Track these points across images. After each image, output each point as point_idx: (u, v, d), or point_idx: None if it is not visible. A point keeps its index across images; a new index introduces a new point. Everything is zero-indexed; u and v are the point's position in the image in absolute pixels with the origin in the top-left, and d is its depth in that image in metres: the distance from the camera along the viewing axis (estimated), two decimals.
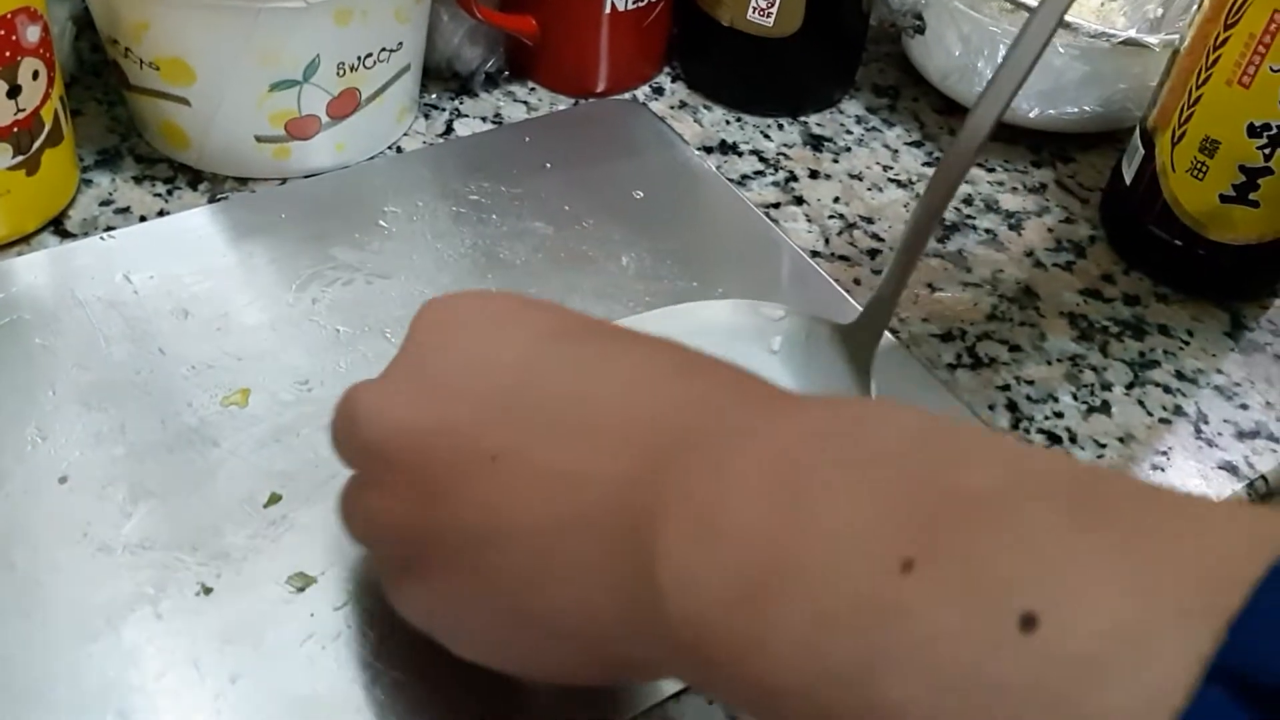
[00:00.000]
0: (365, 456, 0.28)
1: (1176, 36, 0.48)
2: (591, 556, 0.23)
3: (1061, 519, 0.18)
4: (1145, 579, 0.17)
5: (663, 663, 0.23)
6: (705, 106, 0.58)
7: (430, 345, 0.28)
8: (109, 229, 0.47)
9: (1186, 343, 0.48)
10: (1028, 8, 0.53)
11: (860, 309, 0.47)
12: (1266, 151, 0.45)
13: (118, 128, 0.53)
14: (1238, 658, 0.15)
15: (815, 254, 0.50)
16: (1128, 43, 0.51)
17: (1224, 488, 0.43)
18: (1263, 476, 0.43)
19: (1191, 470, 0.43)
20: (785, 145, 0.56)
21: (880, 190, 0.54)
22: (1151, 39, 0.51)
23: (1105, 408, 0.45)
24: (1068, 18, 0.51)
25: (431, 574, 0.27)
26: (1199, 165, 0.47)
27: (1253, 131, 0.45)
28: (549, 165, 0.53)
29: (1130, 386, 0.46)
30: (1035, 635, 0.17)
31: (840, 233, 0.52)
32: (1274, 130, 0.44)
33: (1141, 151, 0.50)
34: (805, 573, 0.20)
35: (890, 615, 0.18)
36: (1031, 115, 0.55)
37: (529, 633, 0.26)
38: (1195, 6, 0.47)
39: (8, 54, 0.42)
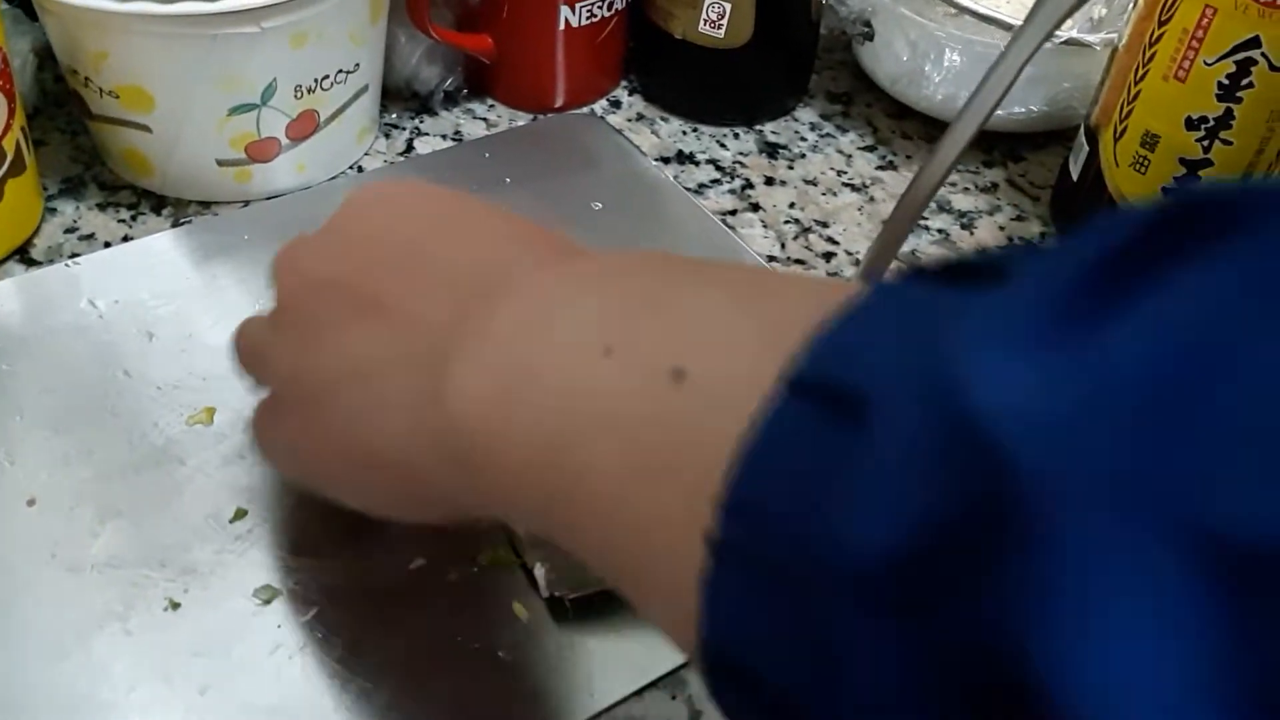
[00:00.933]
0: (274, 299, 0.32)
1: (1115, 35, 0.50)
2: (406, 392, 0.27)
3: (723, 307, 0.23)
4: (774, 341, 0.20)
5: (453, 484, 0.27)
6: (662, 118, 0.59)
7: (348, 216, 0.32)
8: (74, 256, 0.48)
9: None
10: (972, 12, 0.54)
11: None
12: (1205, 144, 0.46)
13: (81, 156, 0.53)
14: (810, 368, 0.19)
15: (772, 259, 0.51)
16: (1070, 43, 0.53)
17: None
18: None
19: None
20: (741, 154, 0.57)
21: (835, 195, 0.55)
22: (1092, 38, 0.53)
23: None
24: (1011, 20, 0.53)
25: (292, 412, 0.31)
26: (1141, 159, 0.48)
27: (1190, 124, 0.46)
28: (509, 180, 0.54)
29: None
30: (684, 385, 0.21)
31: (796, 237, 0.53)
32: (1211, 123, 0.46)
33: (1086, 148, 0.51)
34: (534, 369, 0.24)
35: (591, 390, 0.23)
36: None
37: (360, 467, 0.29)
38: (1131, 5, 0.48)
39: None
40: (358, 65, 0.51)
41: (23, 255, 0.48)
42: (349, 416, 0.29)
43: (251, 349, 0.34)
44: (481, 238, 0.30)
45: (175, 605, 0.36)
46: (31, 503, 0.38)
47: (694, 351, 0.22)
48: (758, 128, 0.59)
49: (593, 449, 0.22)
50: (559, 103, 0.59)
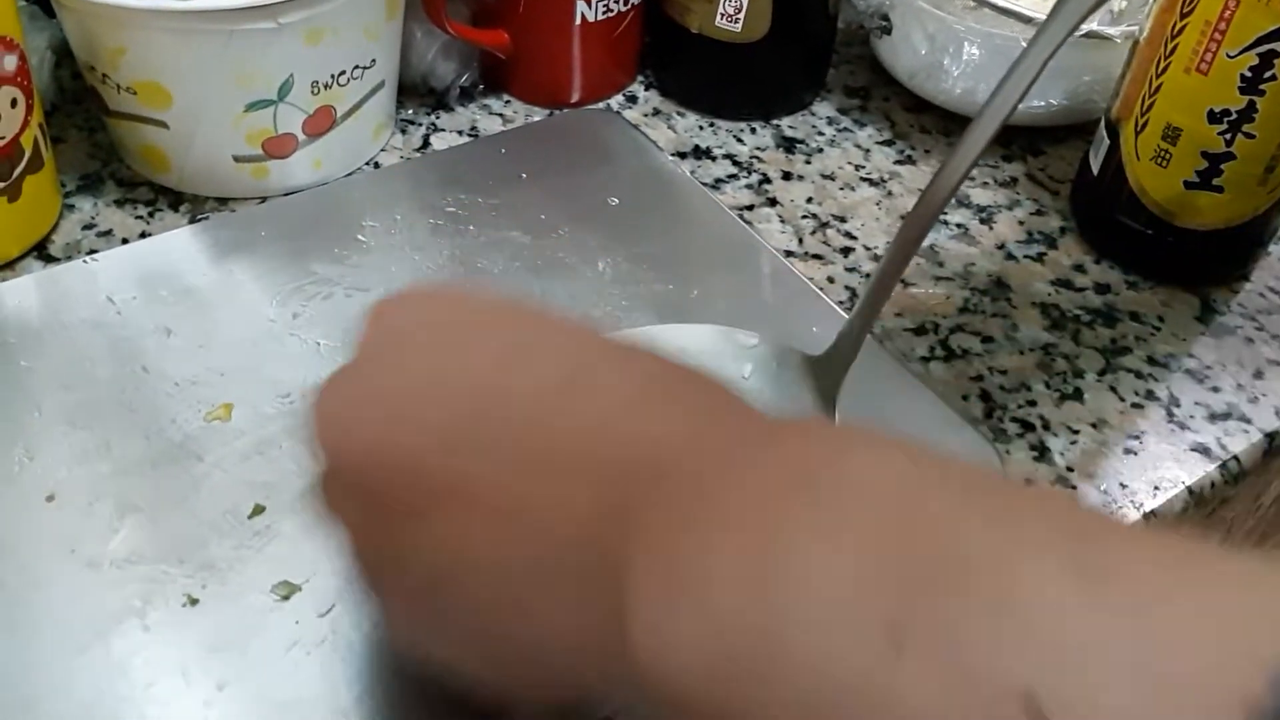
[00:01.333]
0: (331, 469, 0.27)
1: (1136, 27, 0.49)
2: (562, 596, 0.22)
3: (1063, 585, 0.17)
4: (1159, 665, 0.15)
5: (637, 701, 0.22)
6: (678, 113, 0.59)
7: (384, 360, 0.26)
8: (92, 252, 0.48)
9: (1157, 328, 0.49)
10: (991, 4, 0.53)
11: (834, 306, 0.48)
12: (1227, 137, 0.46)
13: (99, 153, 0.53)
14: None
15: (789, 254, 0.51)
16: (1090, 35, 0.52)
17: (1197, 469, 0.43)
18: (1235, 458, 0.44)
19: (1164, 453, 0.44)
20: (758, 148, 0.57)
21: (853, 189, 0.55)
22: (1113, 30, 0.52)
23: (1078, 394, 0.46)
24: (1030, 13, 0.52)
25: (402, 589, 0.26)
26: (1162, 153, 0.48)
27: (1213, 118, 0.46)
28: (525, 176, 0.54)
29: (1102, 373, 0.47)
30: None
31: (814, 232, 0.52)
32: (1233, 116, 0.45)
33: (1107, 142, 0.50)
34: (789, 653, 0.18)
35: (880, 704, 0.17)
36: None
37: (499, 655, 0.25)
38: None
39: None
40: (374, 61, 0.51)
41: (41, 252, 0.48)
42: (475, 611, 0.24)
43: (326, 507, 0.28)
44: (589, 387, 0.24)
45: (193, 601, 0.36)
46: (50, 498, 0.38)
47: (1037, 673, 0.16)
48: (775, 122, 0.59)
49: None
50: (575, 98, 0.59)
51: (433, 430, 0.24)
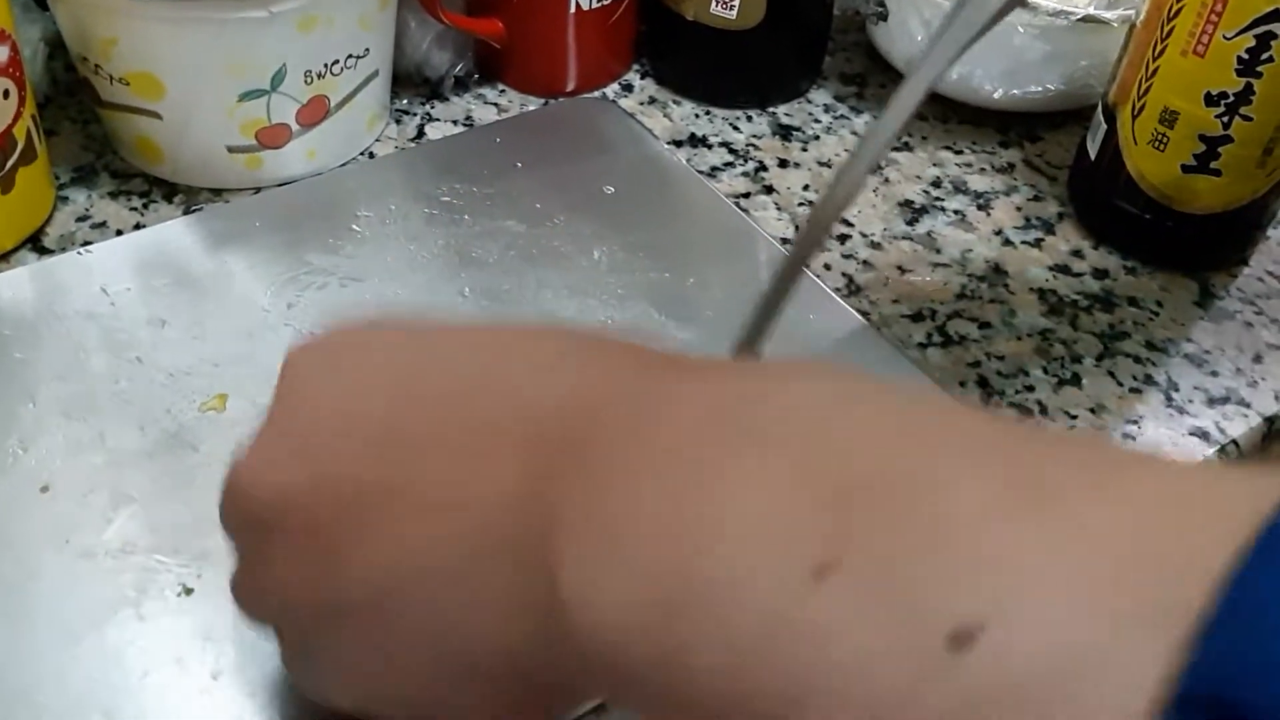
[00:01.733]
0: (254, 530, 0.26)
1: (1133, 11, 0.49)
2: (497, 582, 0.22)
3: (994, 501, 0.16)
4: (1097, 579, 0.15)
5: (584, 684, 0.22)
6: (674, 101, 0.59)
7: (295, 399, 0.26)
8: (86, 244, 0.48)
9: (1156, 313, 0.49)
10: None
11: (830, 293, 0.48)
12: (1225, 120, 0.46)
13: (93, 145, 0.53)
14: (1208, 681, 0.13)
15: (786, 241, 0.51)
16: (1086, 19, 0.52)
17: (1195, 453, 0.43)
18: (1234, 442, 0.44)
19: (1163, 438, 0.44)
20: (754, 136, 0.57)
21: None
22: (1109, 14, 0.52)
23: (1076, 380, 0.45)
24: None
25: (341, 641, 0.25)
26: (1160, 137, 0.47)
27: (1210, 100, 0.45)
28: (520, 165, 0.53)
29: (1100, 358, 0.47)
30: (968, 655, 0.15)
31: None
32: (1230, 98, 0.45)
33: (1104, 126, 0.50)
34: (712, 587, 0.18)
35: (807, 637, 0.16)
36: (996, 96, 0.55)
37: (450, 678, 0.24)
38: None
39: None
40: (367, 50, 0.51)
41: (35, 244, 0.48)
42: (419, 628, 0.23)
43: (254, 598, 0.27)
44: (504, 369, 0.24)
45: (188, 591, 0.36)
46: (45, 489, 0.38)
47: (969, 597, 0.15)
48: (771, 110, 0.59)
49: (829, 718, 0.16)
50: (570, 87, 0.59)
51: (350, 445, 0.24)
